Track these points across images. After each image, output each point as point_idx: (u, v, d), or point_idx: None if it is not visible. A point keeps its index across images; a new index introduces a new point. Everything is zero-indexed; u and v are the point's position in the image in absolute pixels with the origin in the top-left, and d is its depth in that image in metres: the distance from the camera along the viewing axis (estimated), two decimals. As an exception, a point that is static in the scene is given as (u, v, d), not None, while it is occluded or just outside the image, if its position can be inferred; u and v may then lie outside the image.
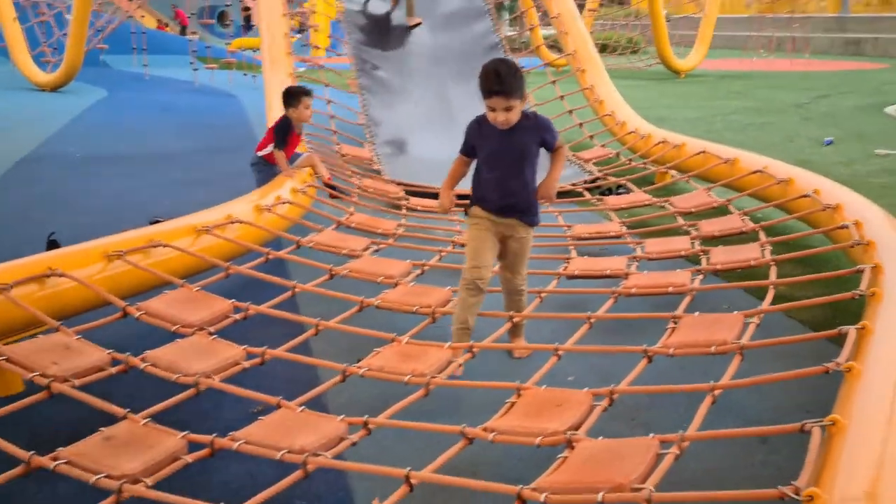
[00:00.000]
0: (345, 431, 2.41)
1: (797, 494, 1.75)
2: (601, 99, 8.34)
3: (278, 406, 2.60)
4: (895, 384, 2.18)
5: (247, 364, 2.91)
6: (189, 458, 2.27)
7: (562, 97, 8.62)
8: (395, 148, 7.75)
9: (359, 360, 3.01)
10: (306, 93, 5.50)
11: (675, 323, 3.14)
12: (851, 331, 2.56)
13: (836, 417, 2.03)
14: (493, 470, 2.57)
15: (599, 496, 1.87)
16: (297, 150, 5.77)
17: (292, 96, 5.47)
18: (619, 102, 8.28)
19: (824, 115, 11.91)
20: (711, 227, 4.87)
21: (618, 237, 5.06)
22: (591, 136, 8.08)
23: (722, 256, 4.19)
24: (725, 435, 2.55)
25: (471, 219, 3.51)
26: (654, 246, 4.61)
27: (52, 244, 5.27)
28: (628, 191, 6.41)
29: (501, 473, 2.53)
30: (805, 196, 4.78)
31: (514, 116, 3.25)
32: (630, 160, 7.11)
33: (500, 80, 3.18)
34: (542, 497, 1.94)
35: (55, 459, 2.20)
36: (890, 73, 19.15)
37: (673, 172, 6.63)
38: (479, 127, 3.43)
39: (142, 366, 2.80)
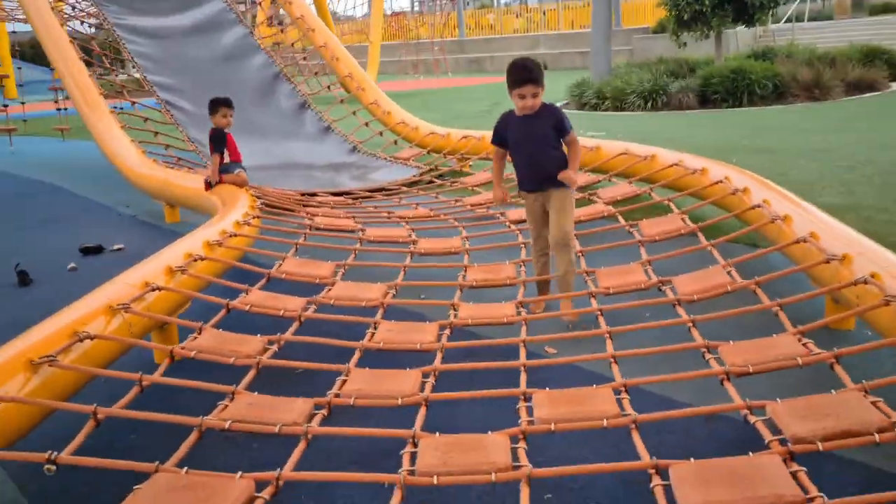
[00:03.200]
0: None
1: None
2: (388, 110, 9.95)
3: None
4: None
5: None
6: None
7: (354, 112, 10.09)
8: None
9: None
10: (223, 103, 6.38)
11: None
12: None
13: None
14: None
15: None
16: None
17: (211, 106, 6.37)
18: (405, 112, 9.95)
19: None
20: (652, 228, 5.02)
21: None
22: (395, 142, 9.64)
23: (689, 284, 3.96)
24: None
25: (523, 199, 4.32)
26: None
27: (22, 275, 5.63)
28: (431, 182, 7.97)
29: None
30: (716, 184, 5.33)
31: (538, 102, 3.94)
32: (445, 155, 8.80)
33: (529, 71, 3.90)
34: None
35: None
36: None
37: (471, 163, 8.44)
38: (505, 120, 4.16)
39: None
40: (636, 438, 2.45)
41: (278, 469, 2.36)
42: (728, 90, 13.12)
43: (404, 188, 7.80)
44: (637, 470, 2.34)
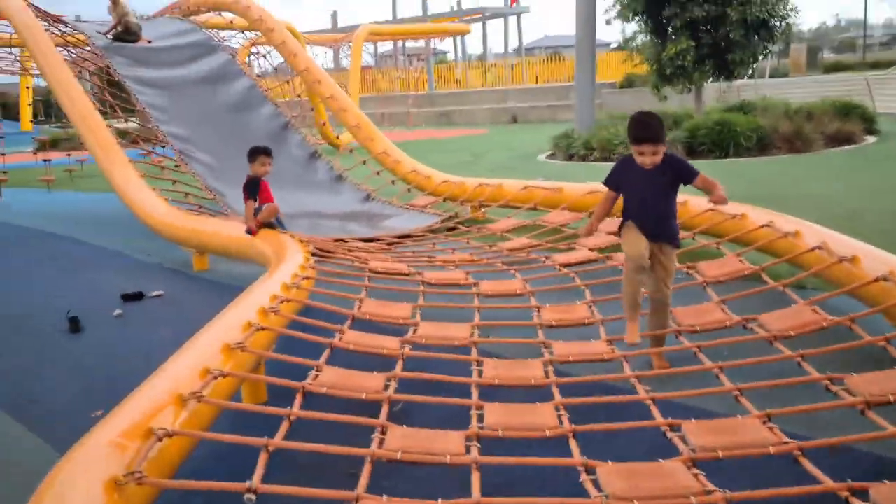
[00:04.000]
0: None
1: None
2: (398, 160, 10.10)
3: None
4: None
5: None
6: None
7: (364, 162, 10.23)
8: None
9: None
10: (263, 152, 6.50)
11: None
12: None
13: None
14: None
15: None
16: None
17: (250, 155, 6.47)
18: (414, 161, 10.11)
19: (499, 167, 14.82)
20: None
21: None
22: (409, 190, 9.77)
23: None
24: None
25: (626, 228, 4.07)
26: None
27: (74, 322, 5.61)
28: (456, 228, 8.13)
29: None
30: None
31: (659, 158, 3.86)
32: (462, 202, 8.95)
33: (649, 129, 3.83)
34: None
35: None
36: (491, 136, 23.38)
37: (486, 211, 8.62)
38: (626, 167, 4.05)
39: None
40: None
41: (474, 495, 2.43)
42: (714, 142, 13.56)
43: (430, 234, 7.91)
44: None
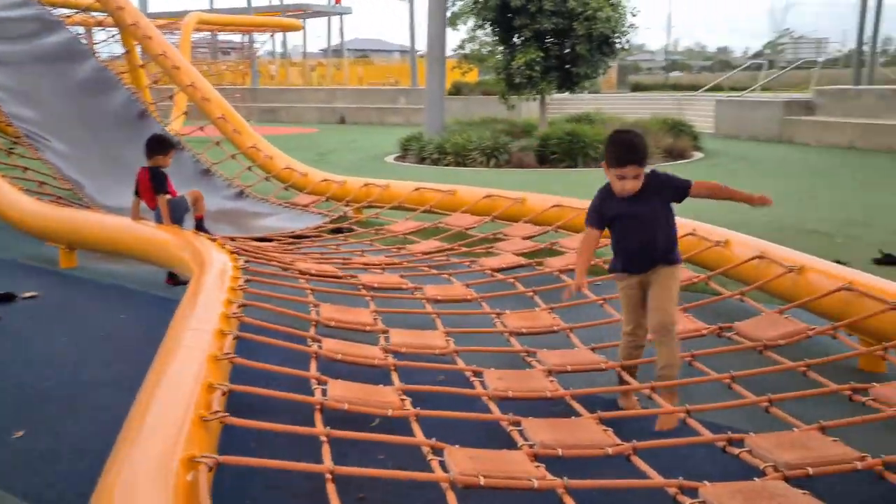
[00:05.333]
0: None
1: None
2: (270, 155, 9.56)
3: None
4: None
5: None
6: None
7: (233, 156, 9.59)
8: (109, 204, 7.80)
9: None
10: (173, 145, 5.98)
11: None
12: None
13: None
14: None
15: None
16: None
17: (157, 145, 5.89)
18: (288, 158, 9.61)
19: (350, 168, 14.38)
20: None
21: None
22: (286, 187, 9.26)
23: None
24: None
25: (619, 282, 3.63)
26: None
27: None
28: (351, 230, 7.84)
29: None
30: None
31: (639, 184, 3.36)
32: (348, 203, 8.59)
33: (635, 150, 3.35)
34: None
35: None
36: (326, 135, 22.89)
37: (377, 211, 8.36)
38: (606, 200, 3.48)
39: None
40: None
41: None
42: (565, 151, 13.99)
43: (328, 235, 7.52)
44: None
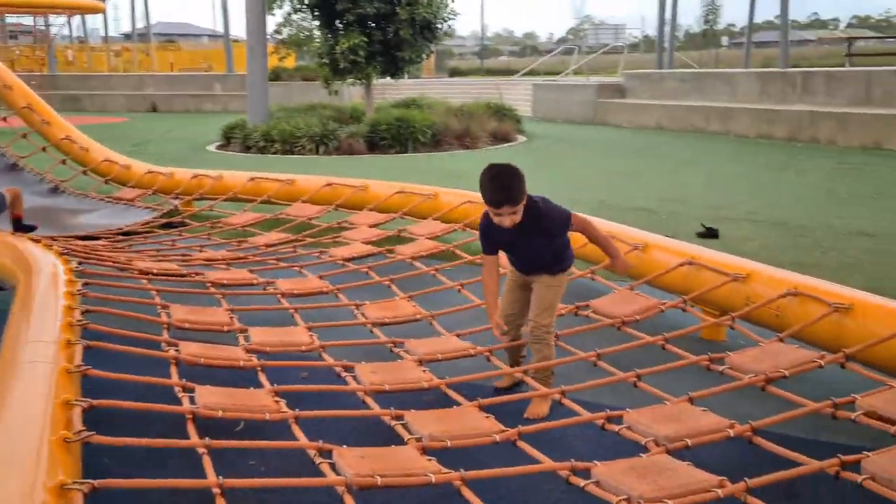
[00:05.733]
0: None
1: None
2: (86, 147, 8.90)
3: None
4: None
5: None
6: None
7: (44, 149, 8.84)
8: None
9: None
10: None
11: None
12: None
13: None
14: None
15: None
16: None
17: None
18: (107, 150, 8.98)
19: (171, 158, 13.57)
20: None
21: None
22: (107, 181, 8.62)
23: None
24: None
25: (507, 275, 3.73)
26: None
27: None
28: (185, 224, 7.47)
29: None
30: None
31: (519, 216, 3.34)
32: (178, 195, 8.11)
33: (506, 191, 3.29)
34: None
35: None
36: (138, 124, 21.69)
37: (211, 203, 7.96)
38: (490, 227, 3.48)
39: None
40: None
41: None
42: (394, 137, 13.98)
43: (160, 231, 7.09)
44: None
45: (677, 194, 9.20)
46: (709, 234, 7.03)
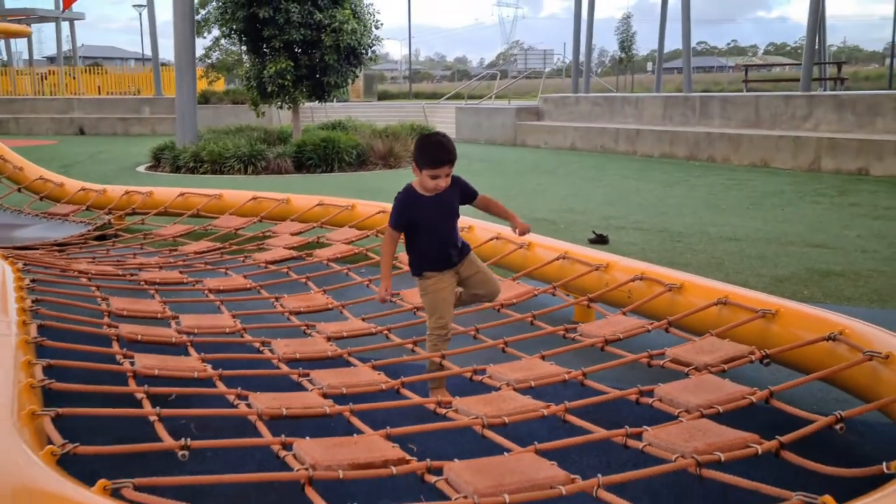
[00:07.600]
0: None
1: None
2: (20, 166, 9.34)
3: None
4: None
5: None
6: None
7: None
8: None
9: None
10: None
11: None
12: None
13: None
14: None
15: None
16: None
17: None
18: (41, 169, 9.43)
19: (101, 179, 14.02)
20: None
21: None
22: (41, 198, 9.07)
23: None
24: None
25: (428, 280, 3.74)
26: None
27: None
28: (118, 236, 8.02)
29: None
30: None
31: (450, 180, 3.60)
32: (111, 210, 8.63)
33: (449, 151, 3.55)
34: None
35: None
36: (67, 147, 21.82)
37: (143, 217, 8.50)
38: (412, 201, 3.62)
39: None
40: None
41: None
42: (321, 157, 14.64)
43: (94, 242, 7.61)
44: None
45: (579, 207, 10.08)
46: (599, 241, 7.88)
